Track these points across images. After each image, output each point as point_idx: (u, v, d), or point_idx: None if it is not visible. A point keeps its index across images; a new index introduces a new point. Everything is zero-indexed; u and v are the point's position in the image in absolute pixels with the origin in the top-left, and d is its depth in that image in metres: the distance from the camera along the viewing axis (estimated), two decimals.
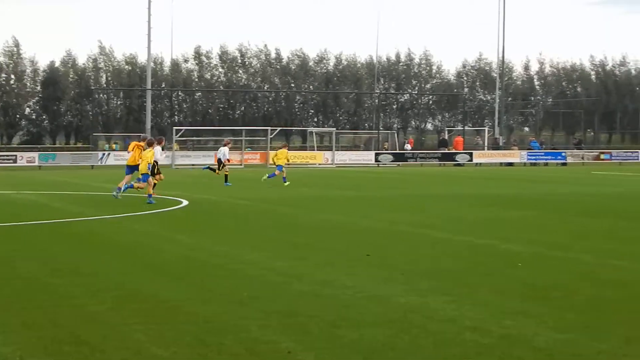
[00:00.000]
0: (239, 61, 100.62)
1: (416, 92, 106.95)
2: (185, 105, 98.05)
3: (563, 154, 70.69)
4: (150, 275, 12.61)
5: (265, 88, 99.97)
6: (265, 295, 10.84)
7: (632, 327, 8.93)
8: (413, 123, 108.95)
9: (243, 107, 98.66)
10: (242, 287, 11.44)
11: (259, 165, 58.71)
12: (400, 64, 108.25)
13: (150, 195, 26.36)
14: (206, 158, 55.77)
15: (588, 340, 8.43)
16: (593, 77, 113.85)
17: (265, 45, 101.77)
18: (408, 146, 75.18)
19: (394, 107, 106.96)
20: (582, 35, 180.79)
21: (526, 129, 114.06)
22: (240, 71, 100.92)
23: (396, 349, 8.20)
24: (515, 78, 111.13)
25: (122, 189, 27.41)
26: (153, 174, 27.54)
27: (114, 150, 64.37)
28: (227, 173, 37.62)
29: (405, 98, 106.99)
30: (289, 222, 20.82)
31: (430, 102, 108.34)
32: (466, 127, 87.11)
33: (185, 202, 26.16)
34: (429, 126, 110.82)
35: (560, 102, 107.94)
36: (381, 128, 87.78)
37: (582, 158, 70.07)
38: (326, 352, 8.10)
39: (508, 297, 10.69)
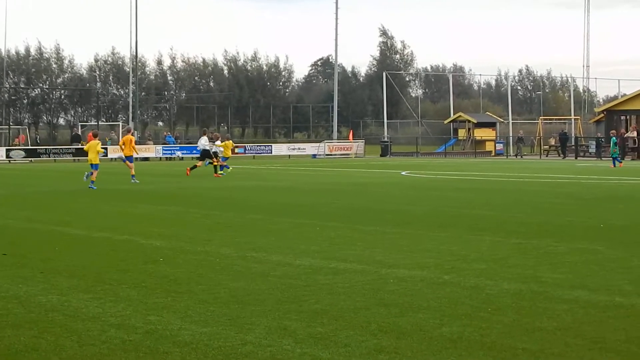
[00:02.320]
0: None
1: (47, 87, 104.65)
2: None
3: (198, 149, 71.61)
4: None
5: None
6: None
7: (274, 318, 9.12)
8: (45, 118, 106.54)
9: None
10: None
11: None
12: (31, 57, 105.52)
13: (92, 181, 30.71)
14: None
15: (232, 332, 8.51)
16: (226, 72, 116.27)
17: None
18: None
19: (25, 101, 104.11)
20: (214, 30, 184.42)
21: (160, 123, 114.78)
22: None
23: (39, 349, 7.92)
24: (148, 72, 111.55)
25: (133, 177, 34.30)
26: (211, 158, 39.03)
27: None
28: (216, 164, 40.20)
29: (37, 92, 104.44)
30: None
31: (63, 97, 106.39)
32: (100, 122, 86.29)
33: None
34: (62, 121, 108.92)
35: (194, 96, 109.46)
36: (12, 123, 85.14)
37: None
38: None
39: (151, 292, 10.64)
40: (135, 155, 37.48)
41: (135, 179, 34.28)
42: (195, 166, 39.66)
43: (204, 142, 40.78)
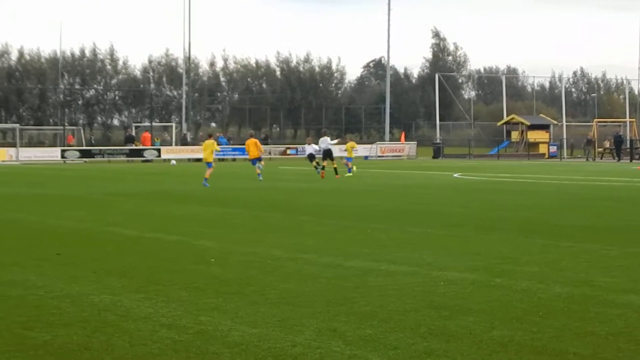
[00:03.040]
0: None
1: (102, 88, 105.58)
2: None
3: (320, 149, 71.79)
4: None
5: None
6: None
7: (324, 320, 9.11)
8: (99, 119, 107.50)
9: None
10: None
11: None
12: (85, 59, 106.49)
13: (205, 178, 32.97)
14: None
15: (282, 333, 8.53)
16: (278, 73, 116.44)
17: None
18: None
19: (80, 102, 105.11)
20: (267, 32, 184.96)
21: (213, 124, 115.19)
22: None
23: (91, 349, 8.00)
24: (201, 74, 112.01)
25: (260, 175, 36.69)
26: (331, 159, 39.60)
27: None
28: (335, 166, 39.96)
29: (91, 93, 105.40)
30: None
31: (117, 98, 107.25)
32: (154, 123, 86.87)
33: None
34: (116, 122, 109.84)
35: (247, 98, 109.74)
36: (66, 124, 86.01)
37: (270, 153, 71.47)
38: (18, 355, 7.79)
39: (202, 293, 10.69)
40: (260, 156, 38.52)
41: (261, 177, 36.48)
42: (335, 168, 39.70)
43: (329, 141, 41.23)
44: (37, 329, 8.77)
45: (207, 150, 34.78)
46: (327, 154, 40.20)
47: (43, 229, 18.45)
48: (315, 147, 43.23)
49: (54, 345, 8.15)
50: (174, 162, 52.79)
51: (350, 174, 41.32)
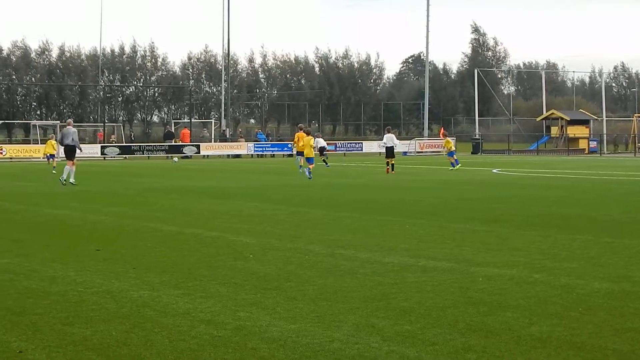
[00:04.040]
0: None
1: (142, 85, 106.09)
2: None
3: (289, 146, 71.96)
4: None
5: None
6: None
7: (361, 315, 9.13)
8: (139, 115, 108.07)
9: None
10: None
11: None
12: (125, 56, 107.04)
13: (309, 171, 35.32)
14: None
15: (320, 329, 8.55)
16: (317, 69, 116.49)
17: None
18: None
19: (120, 99, 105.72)
20: (306, 28, 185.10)
21: (252, 120, 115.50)
22: None
23: (130, 344, 8.05)
24: (240, 70, 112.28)
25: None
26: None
27: None
28: (393, 162, 40.41)
29: (131, 90, 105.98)
30: (10, 218, 20.10)
31: (156, 95, 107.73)
32: (193, 119, 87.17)
33: None
34: (155, 118, 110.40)
35: (285, 94, 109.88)
36: (107, 121, 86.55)
37: None
38: (59, 350, 7.85)
39: (241, 288, 10.73)
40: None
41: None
42: (393, 165, 39.91)
43: (394, 139, 41.72)
44: (77, 324, 8.84)
45: (306, 147, 37.48)
46: (390, 151, 40.38)
47: (83, 225, 18.56)
48: (323, 141, 46.64)
49: (93, 340, 8.21)
50: (175, 159, 54.58)
51: (454, 168, 42.66)
